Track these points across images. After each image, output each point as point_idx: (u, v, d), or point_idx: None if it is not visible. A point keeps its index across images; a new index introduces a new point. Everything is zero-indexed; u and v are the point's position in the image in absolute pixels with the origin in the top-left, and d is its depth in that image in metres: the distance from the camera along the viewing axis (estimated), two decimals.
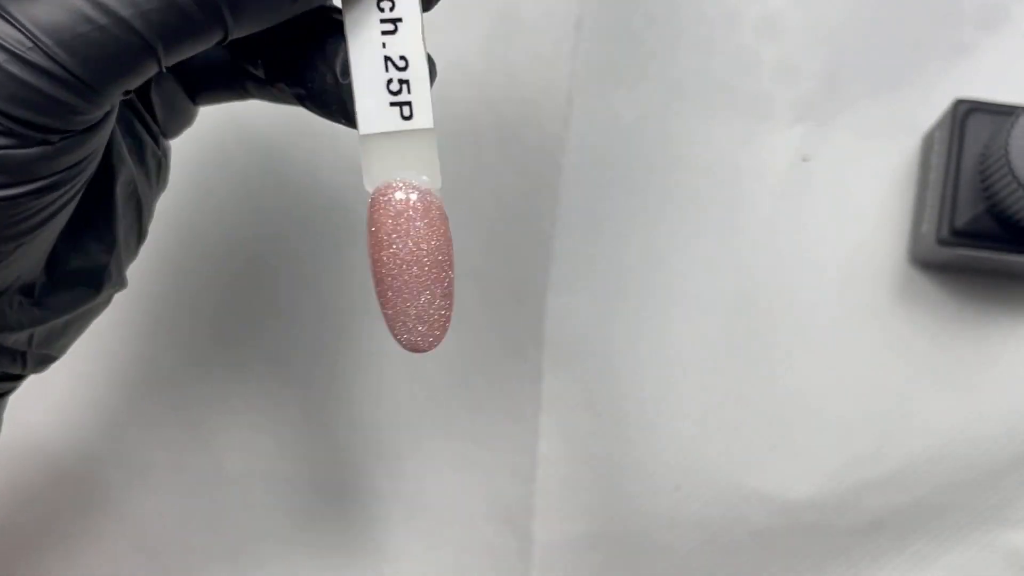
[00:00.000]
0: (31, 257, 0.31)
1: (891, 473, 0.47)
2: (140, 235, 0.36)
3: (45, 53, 0.26)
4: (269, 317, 0.50)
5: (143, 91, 0.35)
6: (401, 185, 0.31)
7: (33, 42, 0.26)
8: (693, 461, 0.48)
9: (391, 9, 0.31)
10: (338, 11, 0.31)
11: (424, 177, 0.31)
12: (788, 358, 0.48)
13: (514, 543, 0.49)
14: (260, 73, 0.33)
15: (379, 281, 0.32)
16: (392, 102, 0.31)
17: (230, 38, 0.28)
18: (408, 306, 0.32)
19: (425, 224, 0.31)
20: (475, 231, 0.49)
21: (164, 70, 0.28)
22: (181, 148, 0.50)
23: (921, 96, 0.47)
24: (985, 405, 0.47)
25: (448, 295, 0.32)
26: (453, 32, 0.49)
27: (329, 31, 0.31)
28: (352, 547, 0.50)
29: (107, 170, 0.33)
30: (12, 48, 0.26)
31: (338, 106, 0.32)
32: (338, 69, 0.31)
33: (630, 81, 0.48)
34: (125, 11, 0.26)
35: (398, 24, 0.31)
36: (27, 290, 0.32)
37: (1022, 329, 0.47)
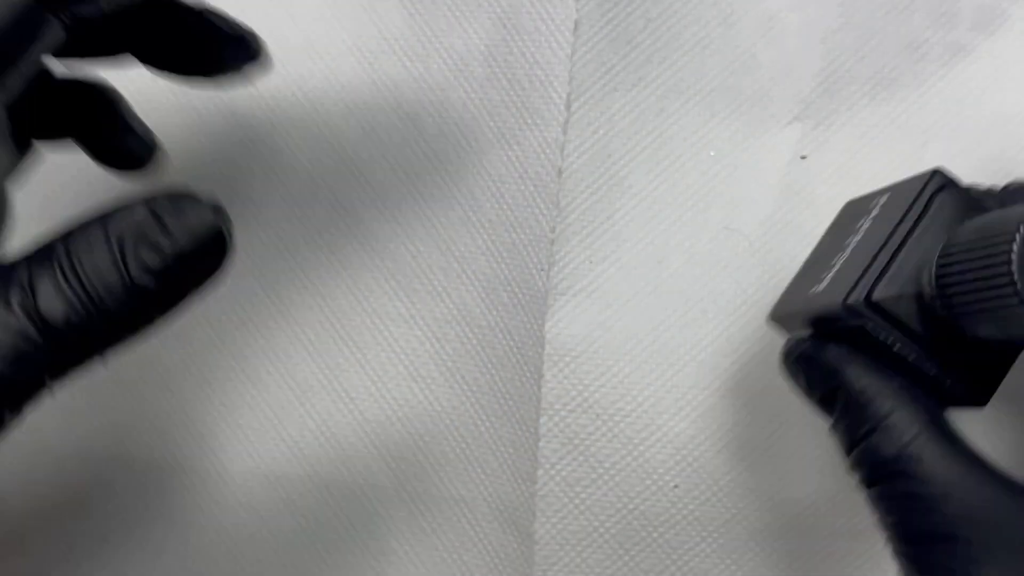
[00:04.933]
0: None
1: None
2: None
3: None
4: (269, 317, 0.50)
5: None
6: None
7: None
8: (691, 460, 0.48)
9: None
10: None
11: None
12: None
13: (515, 543, 0.49)
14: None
15: None
16: None
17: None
18: None
19: None
20: (476, 233, 0.49)
21: None
22: (180, 151, 0.50)
23: (918, 97, 0.48)
24: None
25: None
26: (455, 38, 0.49)
27: None
28: (353, 547, 0.51)
29: None
30: None
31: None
32: None
33: (628, 83, 0.48)
34: None
35: None
36: None
37: None
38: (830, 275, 0.40)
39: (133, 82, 0.50)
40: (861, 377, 0.37)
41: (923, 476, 0.35)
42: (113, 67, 0.41)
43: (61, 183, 0.50)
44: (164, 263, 0.32)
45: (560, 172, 0.48)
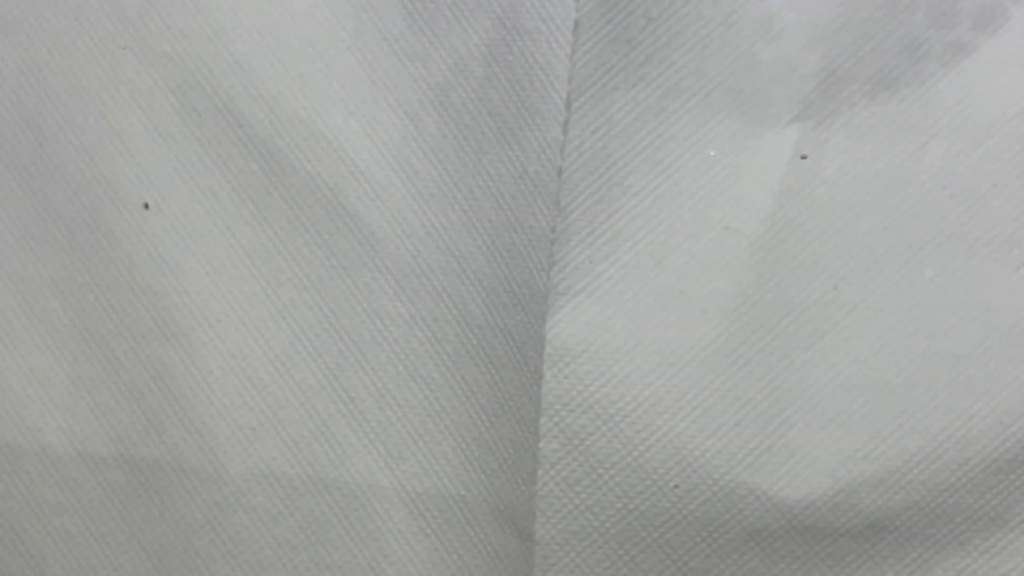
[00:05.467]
0: None
1: (887, 473, 0.47)
2: None
3: None
4: (269, 317, 0.50)
5: None
6: None
7: None
8: (691, 460, 0.48)
9: None
10: None
11: None
12: (786, 357, 0.48)
13: (515, 543, 0.49)
14: None
15: None
16: None
17: None
18: None
19: None
20: (476, 233, 0.49)
21: None
22: (180, 152, 0.50)
23: (918, 97, 0.48)
24: (978, 404, 0.47)
25: None
26: (454, 38, 0.49)
27: None
28: (353, 547, 0.51)
29: None
30: None
31: None
32: None
33: (628, 83, 0.48)
34: None
35: None
36: None
37: (1016, 325, 0.47)
38: None
39: (133, 81, 0.50)
40: None
41: None
42: None
43: None
44: None
45: (560, 172, 0.48)
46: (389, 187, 0.50)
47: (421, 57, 0.49)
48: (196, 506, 0.51)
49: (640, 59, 0.48)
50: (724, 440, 0.48)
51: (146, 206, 0.50)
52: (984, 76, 0.48)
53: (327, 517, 0.50)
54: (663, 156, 0.48)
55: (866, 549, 0.48)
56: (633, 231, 0.48)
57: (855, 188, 0.48)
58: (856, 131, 0.48)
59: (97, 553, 0.51)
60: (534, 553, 0.49)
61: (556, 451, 0.48)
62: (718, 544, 0.48)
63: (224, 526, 0.51)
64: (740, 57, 0.48)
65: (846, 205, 0.48)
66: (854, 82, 0.48)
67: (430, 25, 0.49)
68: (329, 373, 0.50)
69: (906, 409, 0.47)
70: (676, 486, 0.48)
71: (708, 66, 0.48)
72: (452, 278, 0.50)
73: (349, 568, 0.50)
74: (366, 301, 0.50)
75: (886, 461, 0.47)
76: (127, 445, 0.51)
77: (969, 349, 0.47)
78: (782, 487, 0.48)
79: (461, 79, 0.49)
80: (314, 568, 0.50)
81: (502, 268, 0.49)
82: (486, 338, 0.49)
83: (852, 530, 0.47)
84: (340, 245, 0.50)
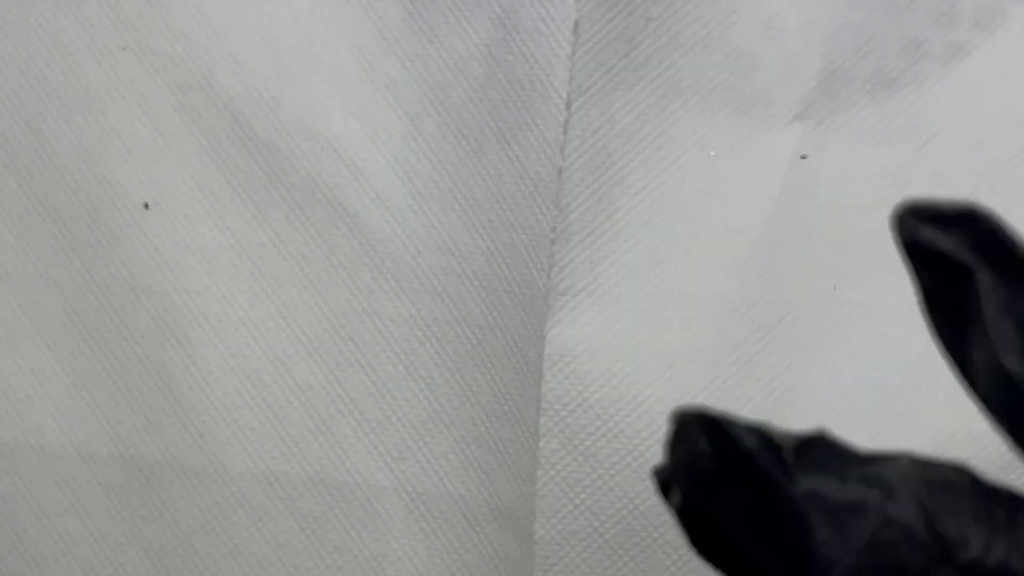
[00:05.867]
0: None
1: None
2: None
3: None
4: (269, 317, 0.50)
5: None
6: None
7: None
8: None
9: None
10: None
11: None
12: (786, 357, 0.48)
13: (514, 543, 0.49)
14: None
15: None
16: None
17: None
18: None
19: None
20: (476, 233, 0.49)
21: None
22: (180, 152, 0.50)
23: (918, 97, 0.48)
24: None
25: None
26: (453, 38, 0.49)
27: None
28: (353, 547, 0.51)
29: None
30: None
31: None
32: None
33: (628, 83, 0.48)
34: None
35: None
36: None
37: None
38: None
39: (133, 81, 0.50)
40: None
41: None
42: None
43: None
44: None
45: (560, 172, 0.48)
46: (389, 187, 0.50)
47: (421, 57, 0.49)
48: (196, 506, 0.51)
49: (640, 59, 0.48)
50: None
51: (146, 206, 0.50)
52: (984, 76, 0.48)
53: (327, 517, 0.50)
54: (663, 156, 0.48)
55: None
56: (633, 231, 0.48)
57: (855, 188, 0.48)
58: (856, 131, 0.48)
59: (97, 553, 0.51)
60: (534, 553, 0.49)
61: (556, 451, 0.48)
62: None
63: (224, 526, 0.51)
64: (740, 57, 0.48)
65: (846, 205, 0.48)
66: (854, 82, 0.48)
67: (430, 25, 0.49)
68: (329, 373, 0.50)
69: (906, 409, 0.47)
70: None
71: (708, 66, 0.48)
72: (452, 278, 0.50)
73: (349, 568, 0.50)
74: (366, 301, 0.50)
75: None
76: (127, 445, 0.51)
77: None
78: None
79: (461, 79, 0.49)
80: (314, 568, 0.51)
81: (502, 268, 0.49)
82: (486, 338, 0.49)
83: None
84: (340, 245, 0.50)
